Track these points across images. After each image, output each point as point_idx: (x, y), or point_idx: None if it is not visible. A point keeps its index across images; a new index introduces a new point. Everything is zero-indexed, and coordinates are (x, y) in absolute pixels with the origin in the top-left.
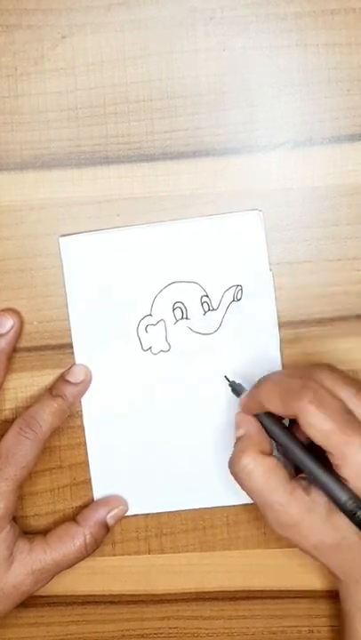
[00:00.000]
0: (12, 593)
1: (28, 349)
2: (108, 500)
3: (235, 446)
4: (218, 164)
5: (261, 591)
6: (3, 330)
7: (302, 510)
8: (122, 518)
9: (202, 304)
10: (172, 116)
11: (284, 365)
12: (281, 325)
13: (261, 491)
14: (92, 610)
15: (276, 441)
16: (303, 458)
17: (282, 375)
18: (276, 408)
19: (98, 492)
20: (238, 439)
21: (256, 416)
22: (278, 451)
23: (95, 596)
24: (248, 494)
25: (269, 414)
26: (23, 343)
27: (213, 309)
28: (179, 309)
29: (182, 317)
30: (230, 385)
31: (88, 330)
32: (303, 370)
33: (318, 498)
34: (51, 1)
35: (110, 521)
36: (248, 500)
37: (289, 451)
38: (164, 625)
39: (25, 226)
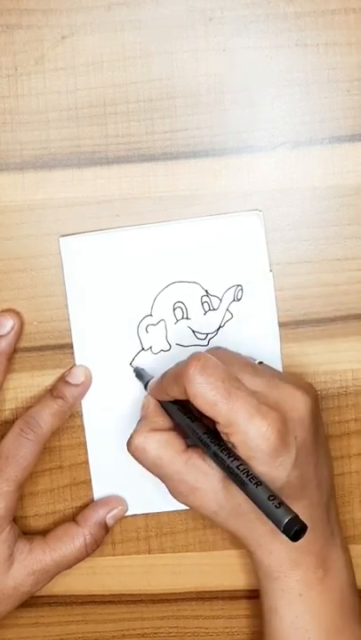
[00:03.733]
0: (12, 594)
1: (28, 349)
2: (107, 501)
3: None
4: (218, 164)
5: None
6: (3, 331)
7: (199, 477)
8: (122, 518)
9: (202, 304)
10: (172, 115)
11: (283, 365)
12: (281, 325)
13: (157, 463)
14: (92, 610)
15: (171, 418)
16: (194, 430)
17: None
18: (172, 390)
19: (98, 493)
20: (138, 421)
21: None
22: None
23: (95, 595)
24: (148, 470)
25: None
26: (23, 343)
27: (214, 309)
28: (179, 309)
29: (183, 317)
30: (135, 371)
31: (88, 330)
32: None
33: (213, 464)
34: (51, 1)
35: (110, 521)
36: None
37: (182, 425)
38: (164, 625)
39: (25, 226)
